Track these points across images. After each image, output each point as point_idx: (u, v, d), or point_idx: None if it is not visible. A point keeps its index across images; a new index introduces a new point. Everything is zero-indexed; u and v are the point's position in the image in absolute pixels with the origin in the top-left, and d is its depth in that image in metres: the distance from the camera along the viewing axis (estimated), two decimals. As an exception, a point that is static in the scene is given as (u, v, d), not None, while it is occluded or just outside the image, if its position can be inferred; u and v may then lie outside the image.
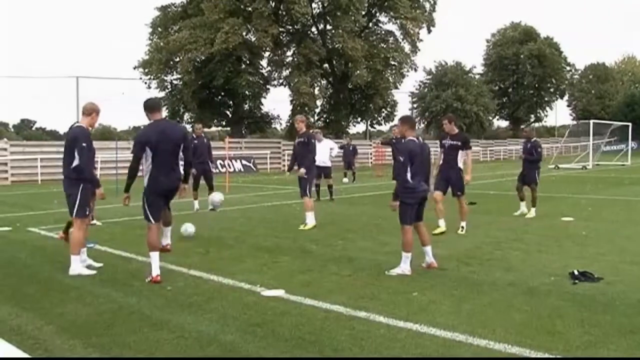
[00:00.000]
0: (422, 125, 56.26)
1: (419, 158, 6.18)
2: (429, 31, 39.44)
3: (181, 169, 6.29)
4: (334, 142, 16.12)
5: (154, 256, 5.98)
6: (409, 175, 6.12)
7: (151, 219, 6.11)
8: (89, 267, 6.53)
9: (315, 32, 36.69)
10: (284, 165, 32.91)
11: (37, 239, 8.89)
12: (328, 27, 36.67)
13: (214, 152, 13.46)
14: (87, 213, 6.55)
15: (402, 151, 6.22)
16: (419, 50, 38.91)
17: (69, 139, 6.34)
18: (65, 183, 6.42)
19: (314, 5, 35.36)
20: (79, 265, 6.35)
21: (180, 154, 6.16)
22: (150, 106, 6.18)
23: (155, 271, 5.93)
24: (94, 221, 9.75)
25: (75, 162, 6.20)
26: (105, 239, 8.46)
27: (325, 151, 14.45)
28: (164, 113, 35.95)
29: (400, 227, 6.23)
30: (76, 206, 6.32)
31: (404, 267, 6.13)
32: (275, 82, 37.31)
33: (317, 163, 14.46)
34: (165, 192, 6.20)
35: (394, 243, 6.27)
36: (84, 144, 6.19)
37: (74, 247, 6.35)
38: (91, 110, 6.44)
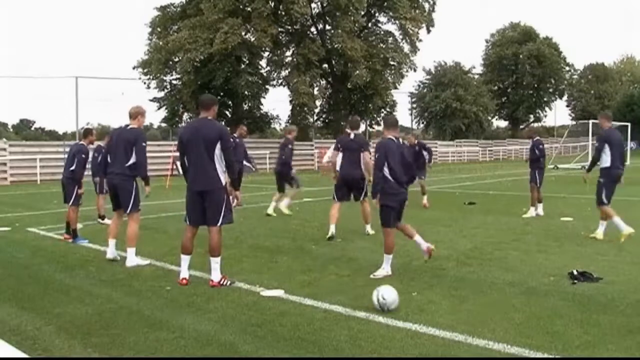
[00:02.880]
0: (422, 126, 56.32)
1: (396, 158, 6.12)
2: (429, 31, 39.41)
3: (221, 173, 5.74)
4: None
5: (182, 259, 5.93)
6: (389, 176, 6.06)
7: (185, 218, 6.00)
8: (115, 259, 6.98)
9: (315, 32, 36.64)
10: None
11: (36, 239, 8.89)
12: (327, 27, 36.61)
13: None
14: (140, 208, 6.98)
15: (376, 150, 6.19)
16: (418, 50, 38.79)
17: (128, 139, 6.75)
18: (118, 180, 6.81)
19: (313, 5, 35.29)
20: (135, 257, 6.75)
21: (218, 154, 5.69)
22: (199, 103, 6.08)
23: (182, 274, 5.87)
24: (106, 220, 10.08)
25: (133, 160, 6.72)
26: (106, 239, 8.45)
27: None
28: (163, 113, 36.17)
29: (383, 230, 6.19)
30: (132, 202, 6.80)
31: (387, 268, 6.13)
32: (275, 82, 37.22)
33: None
34: (195, 193, 5.76)
35: (395, 243, 6.25)
36: (143, 144, 6.80)
37: (131, 240, 6.73)
38: (136, 114, 6.89)
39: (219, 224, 5.77)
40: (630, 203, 13.20)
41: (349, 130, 8.67)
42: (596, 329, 4.33)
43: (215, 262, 5.79)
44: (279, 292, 5.42)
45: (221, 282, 5.74)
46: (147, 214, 10.77)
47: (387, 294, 4.78)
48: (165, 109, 36.08)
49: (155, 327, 4.49)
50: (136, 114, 6.89)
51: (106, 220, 10.17)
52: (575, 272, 5.87)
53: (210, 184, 5.71)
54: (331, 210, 8.62)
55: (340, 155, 8.56)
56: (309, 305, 5.04)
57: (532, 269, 6.35)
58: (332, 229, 8.40)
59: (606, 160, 8.38)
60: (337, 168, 8.65)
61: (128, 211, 6.87)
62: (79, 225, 8.78)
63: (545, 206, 11.36)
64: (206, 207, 5.76)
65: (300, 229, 9.50)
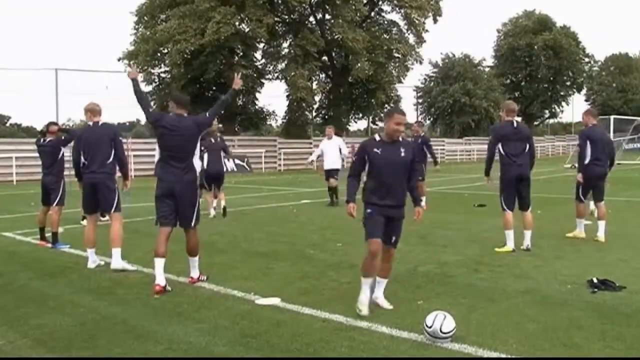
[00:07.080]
0: (428, 122, 56.33)
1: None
2: (435, 21, 39.34)
3: (197, 168, 6.08)
4: (343, 141, 15.19)
5: (156, 263, 5.86)
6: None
7: (156, 219, 6.05)
8: (98, 266, 7.06)
9: (314, 22, 36.65)
10: (279, 165, 32.97)
11: (12, 244, 8.87)
12: (327, 16, 36.60)
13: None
14: (121, 209, 7.19)
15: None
16: (424, 41, 38.75)
17: (106, 135, 7.04)
18: (101, 178, 6.97)
19: (312, -8, 35.35)
20: (121, 260, 6.81)
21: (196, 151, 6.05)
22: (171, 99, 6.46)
23: (157, 280, 5.79)
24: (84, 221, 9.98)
25: (113, 156, 7.02)
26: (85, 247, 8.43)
27: (334, 151, 14.10)
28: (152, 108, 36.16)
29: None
30: (115, 201, 7.01)
31: (359, 297, 5.06)
32: (271, 76, 37.28)
33: (326, 164, 14.39)
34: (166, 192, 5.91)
35: (398, 248, 6.25)
36: (120, 138, 7.27)
37: (116, 240, 6.84)
38: (100, 111, 7.25)
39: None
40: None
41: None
42: (620, 342, 4.30)
43: (194, 261, 6.19)
44: (274, 301, 5.41)
45: (200, 278, 6.16)
46: (134, 216, 10.77)
47: (448, 326, 4.23)
48: (154, 104, 36.00)
49: (142, 338, 4.47)
50: (100, 110, 7.24)
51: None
52: (595, 280, 5.85)
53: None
54: (208, 198, 11.45)
55: (207, 154, 11.28)
56: (307, 314, 5.03)
57: (547, 276, 6.34)
58: (213, 212, 11.46)
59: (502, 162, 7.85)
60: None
61: (112, 211, 6.99)
62: (60, 229, 8.76)
63: (562, 209, 11.35)
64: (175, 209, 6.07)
65: (298, 233, 9.50)
